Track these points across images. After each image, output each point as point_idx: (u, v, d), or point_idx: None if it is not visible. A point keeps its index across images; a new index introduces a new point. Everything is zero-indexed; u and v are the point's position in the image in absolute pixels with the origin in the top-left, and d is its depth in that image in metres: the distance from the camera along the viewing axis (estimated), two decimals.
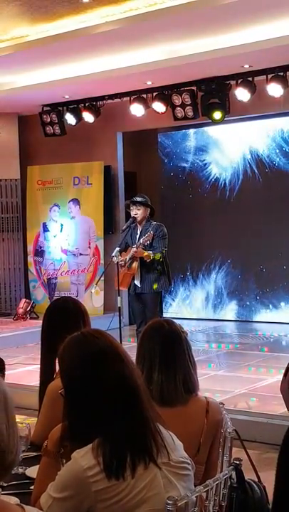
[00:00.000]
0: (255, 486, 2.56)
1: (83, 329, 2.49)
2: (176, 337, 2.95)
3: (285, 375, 5.89)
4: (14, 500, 2.39)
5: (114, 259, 7.87)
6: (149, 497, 2.18)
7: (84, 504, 2.18)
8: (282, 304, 10.92)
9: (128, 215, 8.48)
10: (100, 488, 2.16)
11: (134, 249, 7.73)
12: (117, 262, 7.81)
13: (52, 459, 2.48)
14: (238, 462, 2.47)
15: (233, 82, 9.35)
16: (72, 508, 2.19)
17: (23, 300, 11.49)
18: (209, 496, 2.32)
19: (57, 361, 3.27)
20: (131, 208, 7.96)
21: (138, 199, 7.97)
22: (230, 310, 11.45)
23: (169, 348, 2.92)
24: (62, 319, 3.29)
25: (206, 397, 3.01)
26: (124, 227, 8.17)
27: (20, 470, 2.84)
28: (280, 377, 6.01)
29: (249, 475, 2.67)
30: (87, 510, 2.19)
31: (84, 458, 2.20)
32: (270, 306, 11.04)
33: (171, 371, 2.89)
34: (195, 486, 2.34)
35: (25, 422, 2.93)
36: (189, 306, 11.85)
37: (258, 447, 5.56)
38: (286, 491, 1.39)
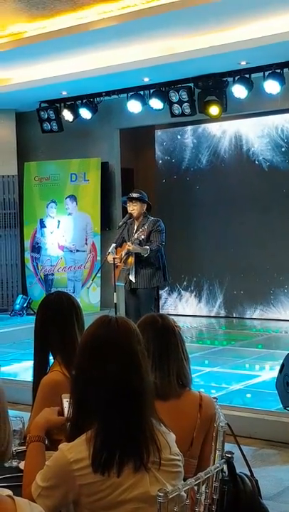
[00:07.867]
0: (246, 479, 2.58)
1: (117, 315, 2.47)
2: (170, 331, 2.97)
3: (280, 371, 5.94)
4: (7, 492, 2.41)
5: (110, 255, 7.87)
6: (134, 495, 2.20)
7: (69, 495, 2.22)
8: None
9: (125, 212, 8.48)
10: (84, 483, 2.18)
11: (130, 245, 7.71)
12: (114, 262, 7.80)
13: (36, 444, 2.53)
14: (229, 456, 2.49)
15: (230, 79, 9.35)
16: (59, 497, 2.23)
17: (20, 296, 11.50)
18: (201, 488, 2.33)
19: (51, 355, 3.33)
20: (128, 204, 7.97)
21: (134, 195, 7.95)
22: (226, 307, 11.46)
23: (162, 342, 2.93)
24: (56, 314, 3.29)
25: (199, 392, 3.03)
26: (121, 223, 8.16)
27: (14, 463, 2.85)
28: (276, 373, 6.08)
29: (242, 470, 2.69)
30: (73, 502, 2.22)
31: (71, 450, 2.22)
32: (266, 303, 11.06)
33: (164, 365, 2.91)
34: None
35: (19, 416, 2.94)
36: (185, 302, 11.85)
37: (253, 443, 5.59)
38: None
